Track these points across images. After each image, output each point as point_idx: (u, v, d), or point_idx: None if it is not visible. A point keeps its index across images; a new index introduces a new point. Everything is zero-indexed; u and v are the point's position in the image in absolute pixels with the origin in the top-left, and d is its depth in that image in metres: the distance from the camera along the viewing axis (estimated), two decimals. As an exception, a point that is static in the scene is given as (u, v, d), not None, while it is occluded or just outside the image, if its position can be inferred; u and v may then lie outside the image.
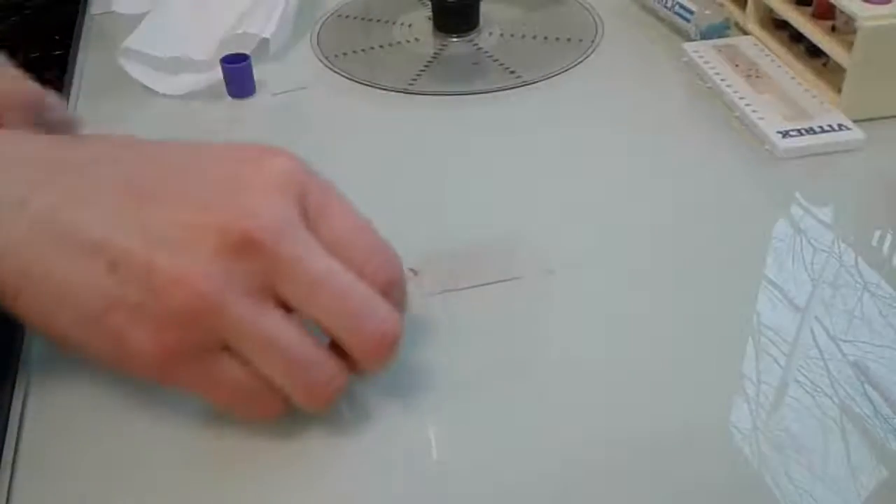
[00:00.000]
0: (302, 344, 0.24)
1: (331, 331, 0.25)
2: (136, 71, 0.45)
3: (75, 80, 0.47)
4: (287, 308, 0.24)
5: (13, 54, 0.36)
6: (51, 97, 0.32)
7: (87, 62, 0.49)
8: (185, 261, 0.23)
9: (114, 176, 0.26)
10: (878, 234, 0.34)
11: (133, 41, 0.45)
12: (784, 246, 0.33)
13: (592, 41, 0.48)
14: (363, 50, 0.49)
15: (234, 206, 0.24)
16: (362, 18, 0.53)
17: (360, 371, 0.25)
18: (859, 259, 0.33)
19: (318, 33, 0.51)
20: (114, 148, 0.27)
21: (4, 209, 0.25)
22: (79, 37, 0.52)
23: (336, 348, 0.25)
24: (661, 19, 0.50)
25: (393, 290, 0.26)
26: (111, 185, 0.25)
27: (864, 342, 0.29)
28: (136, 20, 0.48)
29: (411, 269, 0.32)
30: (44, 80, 0.33)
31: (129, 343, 0.24)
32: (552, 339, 0.30)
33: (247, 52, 0.46)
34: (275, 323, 0.24)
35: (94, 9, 0.54)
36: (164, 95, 0.45)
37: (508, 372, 0.29)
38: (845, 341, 0.29)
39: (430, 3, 0.50)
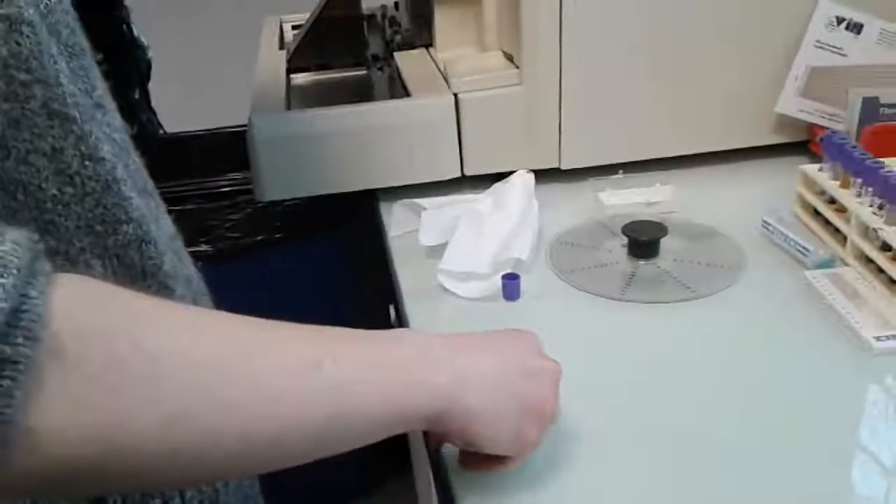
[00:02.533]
0: None
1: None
2: (445, 281, 0.71)
3: (399, 288, 0.73)
4: None
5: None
6: None
7: (401, 270, 0.76)
8: (546, 390, 0.47)
9: (484, 341, 0.48)
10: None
11: (445, 262, 0.71)
12: (872, 410, 0.55)
13: (740, 266, 0.72)
14: (582, 268, 0.74)
15: (545, 357, 0.49)
16: (575, 244, 0.78)
17: None
18: (930, 421, 0.54)
19: (549, 254, 0.76)
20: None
21: (446, 362, 0.43)
22: (390, 253, 0.79)
23: None
24: (787, 252, 0.73)
25: None
26: (490, 348, 0.47)
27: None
28: (433, 248, 0.75)
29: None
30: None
31: (528, 438, 0.47)
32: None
33: (510, 265, 0.72)
34: None
35: (393, 232, 0.82)
36: (460, 296, 0.70)
37: None
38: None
39: (626, 237, 0.74)
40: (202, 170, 1.45)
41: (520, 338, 0.49)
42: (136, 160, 0.44)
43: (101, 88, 0.42)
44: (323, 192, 0.86)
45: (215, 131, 1.58)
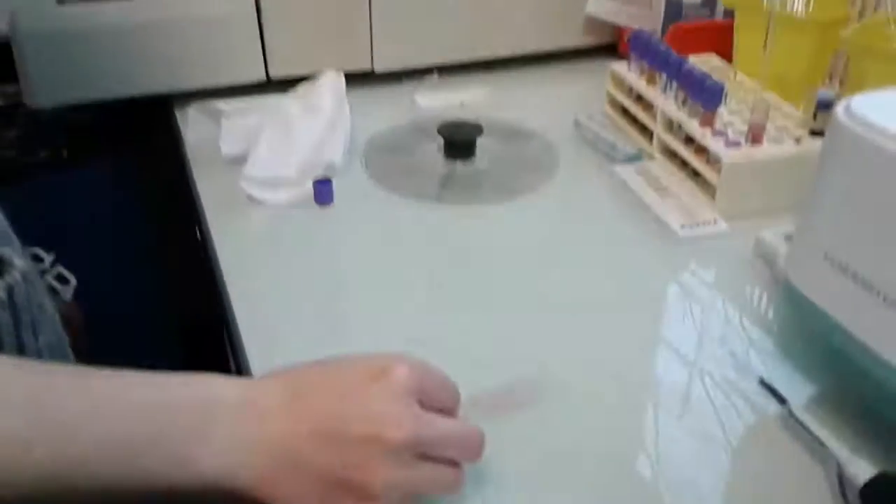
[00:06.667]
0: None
1: (456, 458, 0.39)
2: (252, 189, 0.65)
3: (200, 202, 0.67)
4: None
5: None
6: None
7: (202, 183, 0.69)
8: (375, 462, 0.36)
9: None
10: (737, 286, 0.58)
11: (249, 169, 0.65)
12: (679, 294, 0.57)
13: (554, 165, 0.72)
14: (398, 171, 0.71)
15: (384, 419, 0.36)
16: (391, 147, 0.75)
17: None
18: (725, 300, 0.56)
19: (364, 158, 0.72)
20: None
21: (253, 420, 0.36)
22: (189, 165, 0.72)
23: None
24: (597, 149, 0.74)
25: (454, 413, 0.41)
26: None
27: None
28: (236, 157, 0.69)
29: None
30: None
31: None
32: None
33: (321, 169, 0.67)
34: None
35: (189, 138, 0.74)
36: (268, 204, 0.65)
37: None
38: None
39: (442, 137, 0.72)
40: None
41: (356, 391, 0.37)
42: None
43: None
44: (106, 96, 0.77)
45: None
